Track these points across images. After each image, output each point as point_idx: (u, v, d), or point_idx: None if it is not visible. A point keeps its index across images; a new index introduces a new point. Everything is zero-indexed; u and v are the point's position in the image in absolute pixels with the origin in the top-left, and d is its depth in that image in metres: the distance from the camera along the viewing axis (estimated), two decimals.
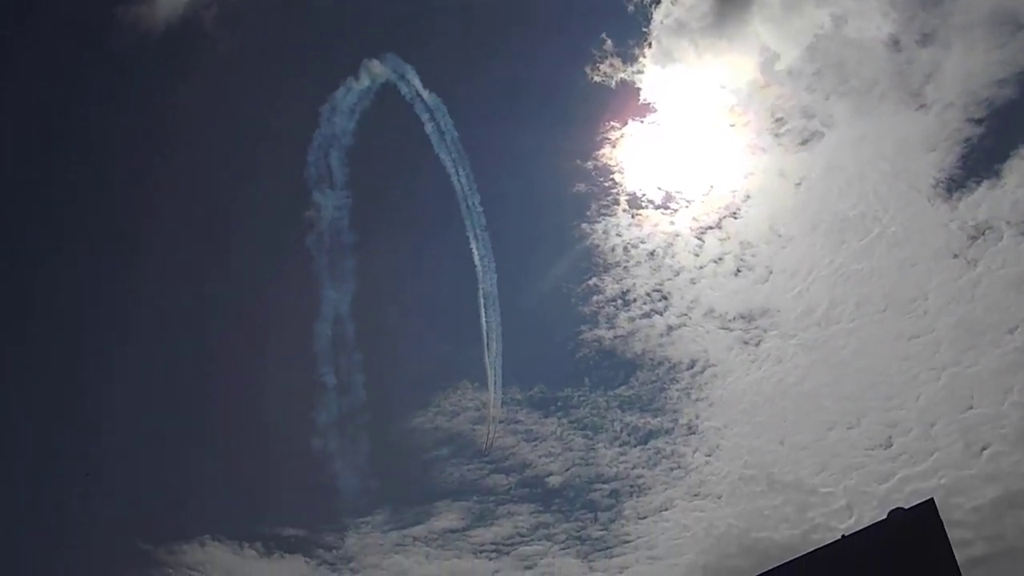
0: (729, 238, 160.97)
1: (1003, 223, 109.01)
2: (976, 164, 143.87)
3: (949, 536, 51.58)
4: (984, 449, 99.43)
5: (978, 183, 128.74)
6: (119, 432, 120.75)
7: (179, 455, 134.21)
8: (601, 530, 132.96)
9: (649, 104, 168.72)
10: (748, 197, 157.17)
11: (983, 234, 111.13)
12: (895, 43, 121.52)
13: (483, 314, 71.29)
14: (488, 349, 72.08)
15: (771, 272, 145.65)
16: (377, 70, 65.88)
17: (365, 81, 65.49)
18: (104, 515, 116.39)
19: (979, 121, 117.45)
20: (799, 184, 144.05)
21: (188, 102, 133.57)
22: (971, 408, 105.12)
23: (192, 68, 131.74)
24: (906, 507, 56.71)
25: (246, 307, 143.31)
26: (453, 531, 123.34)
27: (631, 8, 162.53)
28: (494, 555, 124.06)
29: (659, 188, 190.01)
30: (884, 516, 57.61)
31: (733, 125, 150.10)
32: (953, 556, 50.43)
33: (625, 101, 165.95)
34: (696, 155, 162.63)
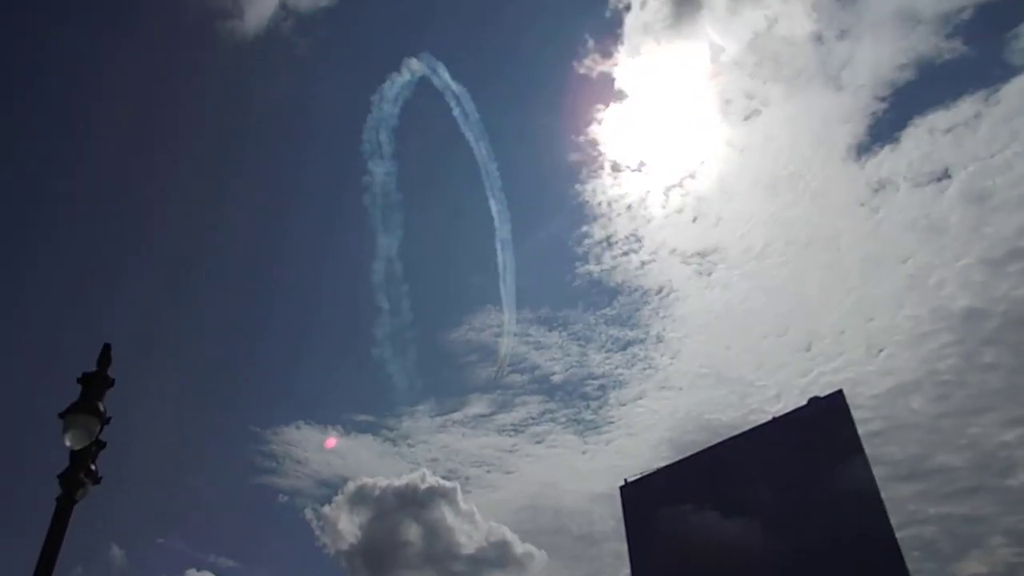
0: (688, 194, 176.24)
1: (900, 178, 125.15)
2: (880, 132, 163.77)
3: (854, 416, 69.40)
4: (881, 351, 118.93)
5: (881, 147, 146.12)
6: (243, 343, 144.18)
7: (277, 362, 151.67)
8: (592, 414, 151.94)
9: (624, 90, 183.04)
10: (703, 162, 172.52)
11: (884, 187, 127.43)
12: (818, 38, 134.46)
13: (499, 255, 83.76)
14: (503, 282, 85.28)
15: (720, 219, 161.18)
16: (415, 66, 75.88)
17: (406, 75, 75.09)
18: (226, 406, 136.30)
19: (884, 99, 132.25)
20: (743, 151, 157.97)
21: (276, 96, 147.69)
22: (872, 320, 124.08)
23: (277, 69, 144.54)
24: (821, 396, 75.32)
25: (321, 252, 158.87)
26: (482, 416, 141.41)
27: (608, 14, 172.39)
28: (513, 433, 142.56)
29: (634, 156, 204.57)
30: (805, 403, 76.10)
31: (690, 105, 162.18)
32: (856, 431, 68.03)
33: (605, 88, 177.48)
34: (662, 129, 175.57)
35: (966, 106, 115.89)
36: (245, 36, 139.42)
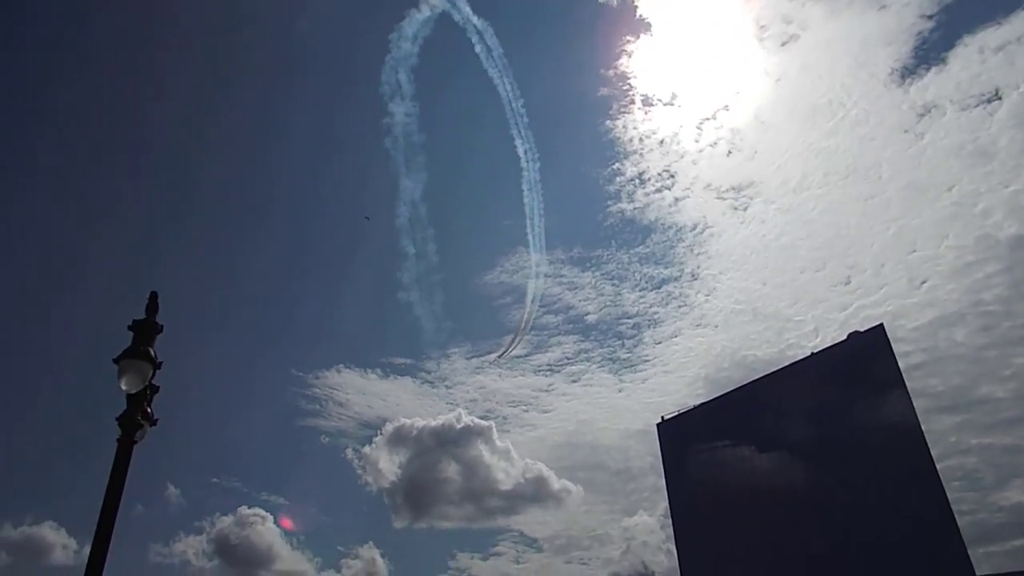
0: (722, 126, 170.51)
1: (947, 102, 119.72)
2: (926, 54, 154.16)
3: (894, 350, 68.08)
4: (924, 283, 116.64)
5: (927, 69, 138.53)
6: (282, 291, 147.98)
7: (315, 308, 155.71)
8: (627, 353, 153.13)
9: (654, 20, 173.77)
10: (737, 92, 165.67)
11: (929, 112, 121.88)
12: None
13: (526, 196, 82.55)
14: (531, 225, 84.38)
15: (756, 152, 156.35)
16: (434, 0, 72.54)
17: (425, 11, 72.29)
18: (270, 352, 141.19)
19: (930, 17, 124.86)
20: (779, 80, 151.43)
21: (294, 44, 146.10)
22: (914, 251, 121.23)
23: (296, 14, 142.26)
24: (861, 330, 73.99)
25: (345, 197, 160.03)
26: (517, 357, 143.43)
27: None
28: (548, 373, 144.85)
29: (666, 89, 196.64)
30: (844, 337, 74.84)
31: (723, 33, 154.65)
32: (897, 365, 66.93)
33: (635, 19, 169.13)
34: (694, 60, 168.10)
35: (1020, 21, 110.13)
36: None
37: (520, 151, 78.24)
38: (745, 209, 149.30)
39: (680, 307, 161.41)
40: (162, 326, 11.31)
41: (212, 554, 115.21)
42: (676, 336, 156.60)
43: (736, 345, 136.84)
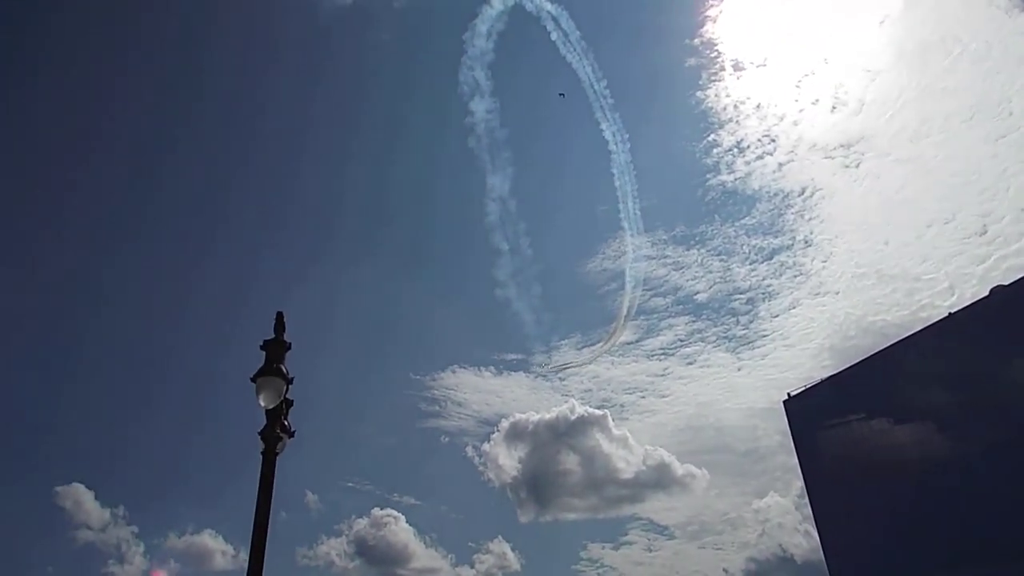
0: (823, 81, 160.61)
1: None
2: None
3: None
4: None
5: None
6: (389, 301, 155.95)
7: (424, 312, 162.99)
8: (743, 330, 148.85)
9: None
10: (836, 43, 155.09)
11: None
12: None
13: (617, 180, 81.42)
14: (625, 207, 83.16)
15: (863, 104, 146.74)
16: None
17: (497, 6, 72.75)
18: (388, 359, 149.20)
19: None
20: (882, 21, 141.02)
21: (369, 56, 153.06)
22: None
23: (378, 26, 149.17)
24: (1005, 283, 67.78)
25: (432, 202, 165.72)
26: (629, 343, 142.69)
27: None
28: (662, 357, 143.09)
29: (756, 50, 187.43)
30: (986, 293, 68.54)
31: None
32: None
33: None
34: (784, 15, 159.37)
35: None
36: (344, 3, 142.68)
37: (607, 134, 77.00)
38: (857, 166, 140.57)
39: (795, 276, 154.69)
40: (290, 344, 12.06)
41: (353, 555, 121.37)
42: (794, 307, 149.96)
43: (861, 311, 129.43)
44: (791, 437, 79.71)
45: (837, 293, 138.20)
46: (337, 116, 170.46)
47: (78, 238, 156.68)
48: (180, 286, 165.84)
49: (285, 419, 11.82)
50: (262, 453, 11.37)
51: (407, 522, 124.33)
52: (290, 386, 11.94)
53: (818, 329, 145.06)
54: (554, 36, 73.76)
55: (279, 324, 12.29)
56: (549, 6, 72.12)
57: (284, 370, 11.83)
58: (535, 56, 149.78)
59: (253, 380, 11.62)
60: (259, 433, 11.52)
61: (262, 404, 11.58)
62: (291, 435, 11.85)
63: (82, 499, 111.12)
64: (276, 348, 11.96)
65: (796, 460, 78.77)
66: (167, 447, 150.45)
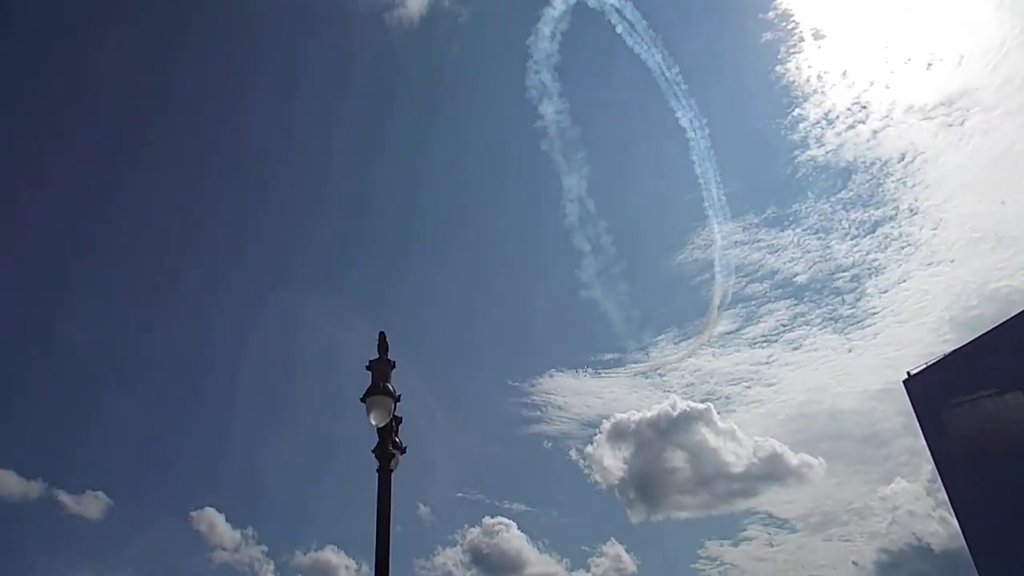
0: (914, 37, 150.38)
1: None
2: None
3: None
4: None
5: None
6: (485, 306, 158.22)
7: (514, 318, 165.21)
8: (850, 309, 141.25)
9: None
10: None
11: None
12: None
13: (697, 167, 79.17)
14: (707, 194, 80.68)
15: (962, 56, 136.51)
16: None
17: (559, 6, 72.55)
18: (484, 366, 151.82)
19: None
20: None
21: (441, 72, 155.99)
22: None
23: (442, 42, 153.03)
24: None
25: (510, 209, 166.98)
26: (728, 333, 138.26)
27: None
28: (765, 344, 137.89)
29: (836, 14, 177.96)
30: None
31: None
32: None
33: None
34: None
35: None
36: (412, 20, 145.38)
37: (684, 121, 74.77)
38: (962, 123, 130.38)
39: (903, 248, 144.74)
40: (394, 362, 12.37)
41: (469, 564, 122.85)
42: (905, 280, 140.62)
43: (981, 278, 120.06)
44: (915, 418, 75.09)
45: (952, 261, 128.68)
46: (408, 136, 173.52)
47: (194, 264, 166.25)
48: (290, 309, 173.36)
49: (396, 436, 12.11)
50: (377, 471, 11.67)
51: (518, 529, 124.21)
52: (398, 403, 12.24)
53: (934, 302, 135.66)
54: (619, 28, 72.47)
55: (382, 343, 12.65)
56: None
57: (391, 388, 12.14)
58: (602, 51, 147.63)
59: (363, 400, 11.96)
60: (372, 451, 11.83)
61: (373, 423, 11.91)
62: (403, 451, 12.12)
63: (215, 522, 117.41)
64: (382, 367, 12.32)
65: (923, 442, 74.05)
66: (287, 470, 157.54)
